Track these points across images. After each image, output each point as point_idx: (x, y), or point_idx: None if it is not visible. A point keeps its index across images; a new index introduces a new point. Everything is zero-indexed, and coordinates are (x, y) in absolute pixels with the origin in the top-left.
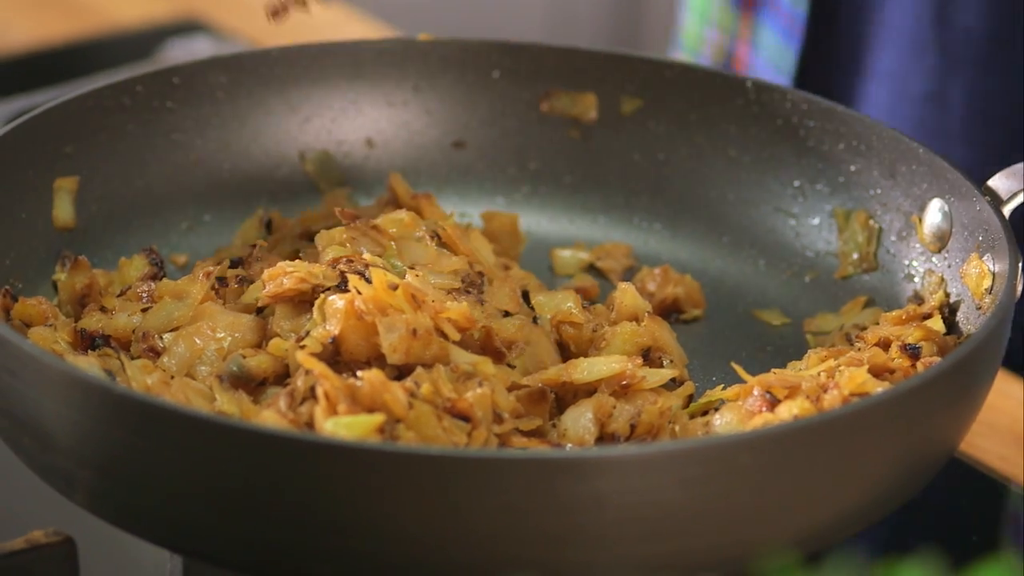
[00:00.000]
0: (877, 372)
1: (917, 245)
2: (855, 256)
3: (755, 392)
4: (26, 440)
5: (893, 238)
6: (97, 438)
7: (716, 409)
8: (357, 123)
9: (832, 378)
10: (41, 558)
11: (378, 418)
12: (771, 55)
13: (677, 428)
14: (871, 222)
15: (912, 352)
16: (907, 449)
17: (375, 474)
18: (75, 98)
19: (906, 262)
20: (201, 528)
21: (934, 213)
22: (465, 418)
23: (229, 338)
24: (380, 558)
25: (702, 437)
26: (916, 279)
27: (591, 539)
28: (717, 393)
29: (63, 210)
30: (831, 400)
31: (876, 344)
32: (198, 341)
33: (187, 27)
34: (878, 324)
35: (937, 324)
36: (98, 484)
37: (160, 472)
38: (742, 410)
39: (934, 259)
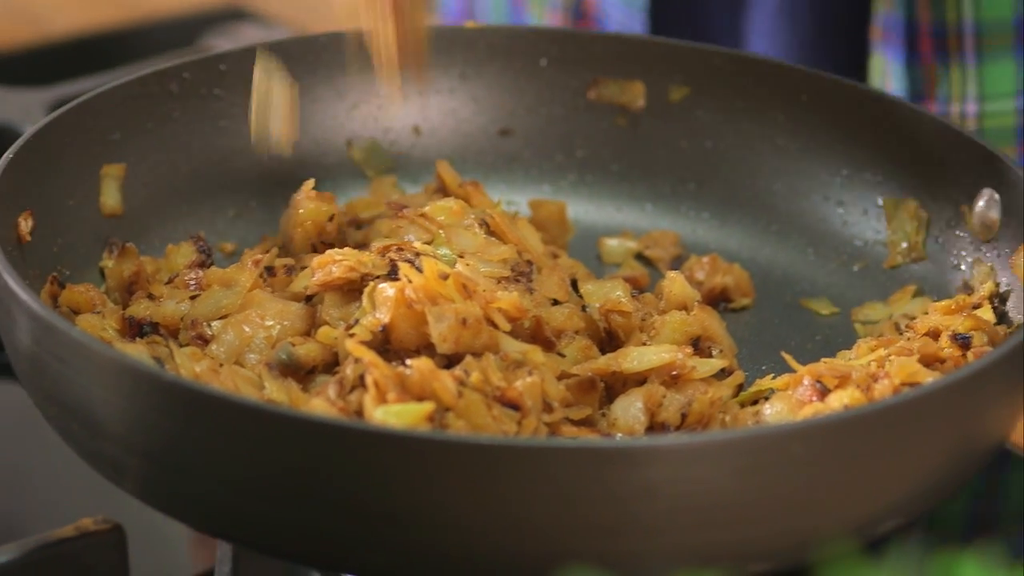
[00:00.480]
0: (927, 362)
1: (966, 234)
2: (904, 245)
3: (805, 382)
4: (75, 427)
5: (942, 228)
6: (146, 425)
7: (766, 399)
8: (404, 111)
9: (882, 368)
10: (90, 545)
11: (427, 406)
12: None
13: (727, 418)
14: (920, 211)
15: (963, 342)
16: (958, 439)
17: (424, 463)
18: (122, 85)
19: (955, 252)
20: (250, 516)
21: (983, 202)
22: (515, 407)
23: (278, 326)
24: (429, 548)
25: (753, 427)
26: (965, 269)
27: (642, 529)
28: (767, 383)
29: (110, 197)
30: (881, 390)
31: (926, 334)
32: (247, 329)
33: (231, 14)
34: (927, 314)
35: (987, 314)
36: (147, 471)
37: (209, 460)
38: (792, 400)
39: (983, 248)
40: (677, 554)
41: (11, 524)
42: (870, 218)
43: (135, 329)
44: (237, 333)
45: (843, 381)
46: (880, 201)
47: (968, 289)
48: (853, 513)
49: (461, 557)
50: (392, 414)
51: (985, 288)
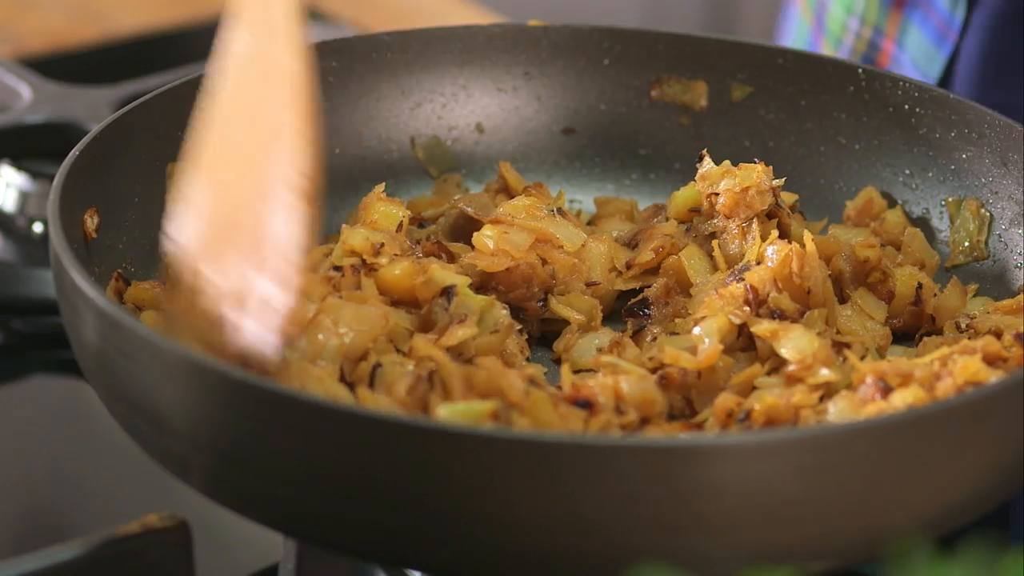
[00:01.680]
0: (990, 361)
1: None
2: (966, 244)
3: (868, 380)
4: (142, 424)
5: (1004, 227)
6: (213, 422)
7: (829, 396)
8: (467, 109)
9: (945, 366)
10: (156, 542)
11: (490, 404)
12: (917, 56)
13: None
14: (982, 210)
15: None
16: (1022, 437)
17: (489, 461)
18: (187, 82)
19: (1018, 251)
20: (314, 513)
21: None
22: (587, 404)
23: (351, 333)
24: (494, 545)
25: (818, 425)
26: None
27: (707, 527)
28: (822, 376)
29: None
30: (944, 388)
31: (988, 332)
32: (320, 337)
33: None
34: (988, 313)
35: None
36: (214, 468)
37: (276, 457)
38: (855, 398)
39: None
40: (742, 552)
41: (77, 520)
42: (932, 217)
43: None
44: (311, 340)
45: (906, 380)
46: (943, 200)
47: None
48: (917, 511)
49: (525, 555)
50: (456, 412)
51: None
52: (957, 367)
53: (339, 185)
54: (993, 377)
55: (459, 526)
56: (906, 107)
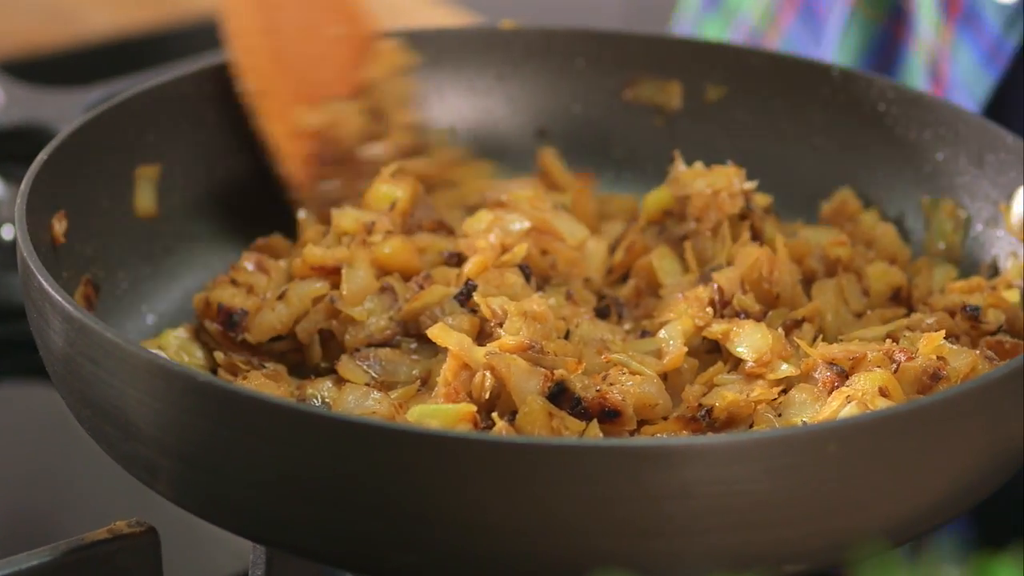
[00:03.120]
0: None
1: (1004, 234)
2: (941, 246)
3: (819, 367)
4: (108, 429)
5: (980, 227)
6: (180, 427)
7: (785, 391)
8: (440, 111)
9: (897, 343)
10: (124, 548)
11: (467, 408)
12: (966, 76)
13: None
14: (958, 211)
15: (971, 313)
16: (997, 437)
17: (458, 464)
18: (157, 86)
19: (993, 251)
20: (283, 518)
21: (1022, 201)
22: (616, 413)
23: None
24: (464, 549)
25: (789, 427)
26: (1001, 266)
27: (678, 529)
28: (782, 372)
29: (145, 199)
30: (914, 369)
31: (943, 309)
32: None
33: None
34: (943, 292)
35: (1013, 296)
36: (181, 473)
37: (242, 461)
38: (814, 389)
39: (1022, 248)
40: (713, 555)
41: (44, 527)
42: (907, 217)
43: (224, 316)
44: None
45: (858, 362)
46: (918, 201)
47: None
48: (889, 513)
49: (496, 558)
50: (427, 414)
51: (1012, 270)
52: (922, 344)
53: None
54: (957, 353)
55: (428, 530)
56: (881, 107)
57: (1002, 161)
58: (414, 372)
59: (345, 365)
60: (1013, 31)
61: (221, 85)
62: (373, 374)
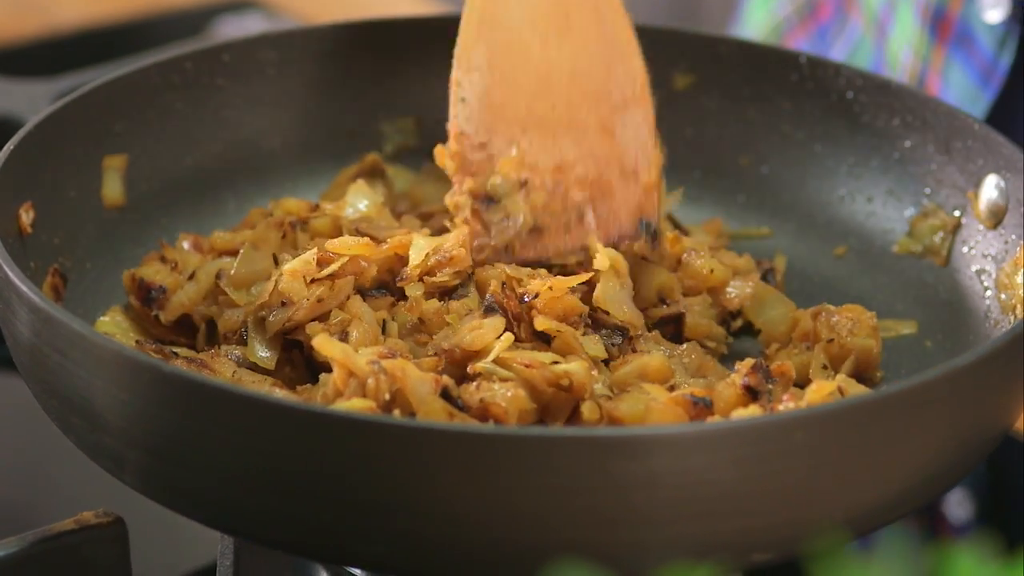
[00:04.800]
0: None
1: (972, 221)
2: (919, 249)
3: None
4: (75, 420)
5: (946, 213)
6: (146, 417)
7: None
8: (407, 99)
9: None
10: (91, 538)
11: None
12: (960, 95)
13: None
14: (947, 218)
15: None
16: (962, 427)
17: (425, 453)
18: (124, 76)
19: (960, 238)
20: (249, 509)
21: (990, 189)
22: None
23: None
24: (430, 539)
25: (757, 416)
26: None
27: (643, 519)
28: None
29: (112, 188)
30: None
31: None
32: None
33: (238, 5)
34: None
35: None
36: (147, 464)
37: (209, 452)
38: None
39: (990, 235)
40: (678, 544)
41: (12, 517)
42: (875, 205)
43: (143, 292)
44: None
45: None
46: (909, 218)
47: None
48: (857, 502)
49: (462, 548)
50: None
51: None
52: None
53: (278, 177)
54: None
55: (395, 520)
56: (849, 95)
57: (969, 149)
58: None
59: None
60: (1006, 50)
61: (188, 74)
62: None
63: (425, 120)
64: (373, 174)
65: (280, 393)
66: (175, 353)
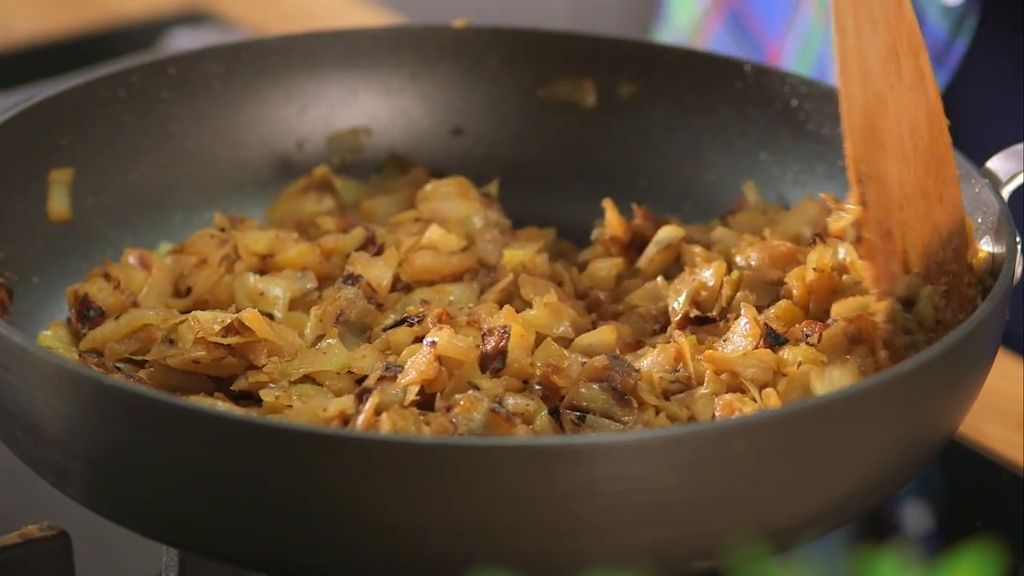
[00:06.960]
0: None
1: None
2: None
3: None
4: (18, 433)
5: None
6: (88, 431)
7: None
8: (354, 111)
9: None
10: (35, 552)
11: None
12: None
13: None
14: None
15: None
16: (904, 433)
17: (364, 464)
18: (70, 89)
19: None
20: (192, 521)
21: None
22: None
23: None
24: (372, 549)
25: (696, 423)
26: None
27: (585, 527)
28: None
29: (58, 202)
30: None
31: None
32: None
33: (193, 17)
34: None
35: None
36: (90, 477)
37: (151, 465)
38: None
39: None
40: (620, 552)
41: None
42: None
43: (81, 307)
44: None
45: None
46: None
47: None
48: (799, 509)
49: (403, 557)
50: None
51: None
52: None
53: (224, 190)
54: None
55: (337, 531)
56: (794, 103)
57: None
58: None
59: None
60: (963, 32)
61: (135, 88)
62: None
63: (372, 128)
64: (322, 187)
65: (221, 405)
66: (117, 367)
